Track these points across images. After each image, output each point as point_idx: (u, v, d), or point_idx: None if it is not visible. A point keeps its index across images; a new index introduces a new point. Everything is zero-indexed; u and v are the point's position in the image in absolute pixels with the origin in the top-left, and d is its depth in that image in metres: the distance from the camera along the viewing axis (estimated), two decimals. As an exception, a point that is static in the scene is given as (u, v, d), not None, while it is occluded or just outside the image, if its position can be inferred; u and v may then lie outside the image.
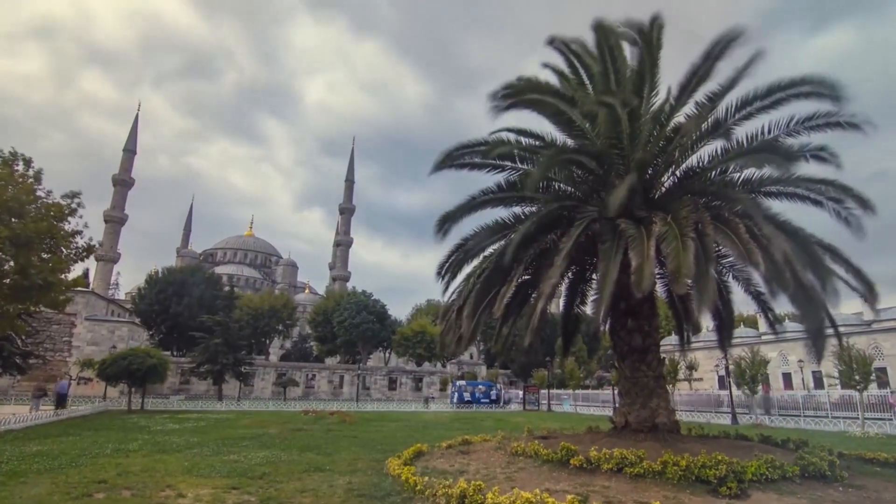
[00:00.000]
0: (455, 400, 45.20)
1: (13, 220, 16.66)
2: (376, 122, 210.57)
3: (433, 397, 57.13)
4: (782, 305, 10.15)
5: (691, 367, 37.88)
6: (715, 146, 9.64)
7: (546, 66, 10.81)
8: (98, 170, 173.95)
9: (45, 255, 18.20)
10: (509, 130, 10.24)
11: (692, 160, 10.09)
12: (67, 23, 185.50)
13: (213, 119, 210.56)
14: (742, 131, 9.26)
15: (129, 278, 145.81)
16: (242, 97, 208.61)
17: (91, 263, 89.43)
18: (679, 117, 9.84)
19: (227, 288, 67.86)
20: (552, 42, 10.44)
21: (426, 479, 7.65)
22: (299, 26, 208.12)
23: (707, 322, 15.87)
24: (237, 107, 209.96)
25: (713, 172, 9.88)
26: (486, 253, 10.88)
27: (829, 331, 8.80)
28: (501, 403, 45.60)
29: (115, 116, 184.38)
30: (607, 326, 10.79)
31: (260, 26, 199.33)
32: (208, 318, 43.06)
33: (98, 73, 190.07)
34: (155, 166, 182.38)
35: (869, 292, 8.85)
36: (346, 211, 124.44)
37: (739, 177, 9.86)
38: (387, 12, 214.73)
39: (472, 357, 74.99)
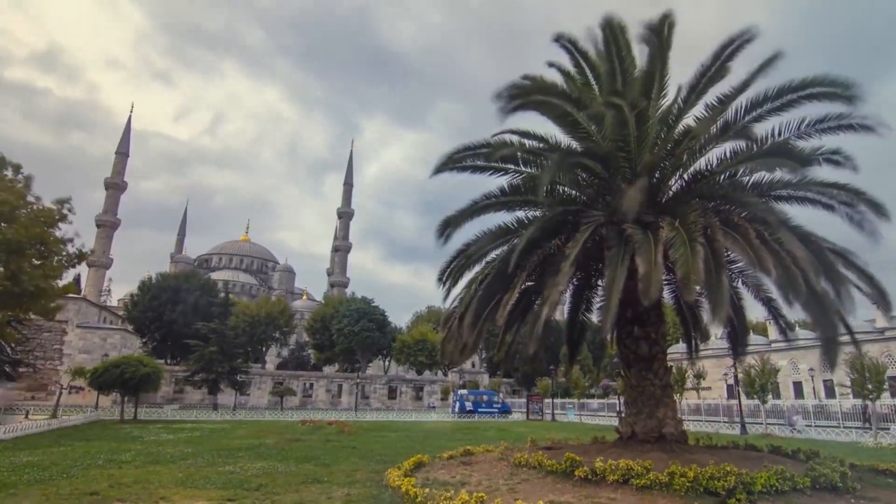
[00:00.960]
0: (457, 409, 44.87)
1: (3, 224, 16.47)
2: (422, 183, 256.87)
3: (434, 406, 56.73)
4: (793, 312, 9.99)
5: (699, 376, 37.49)
6: (724, 149, 9.50)
7: (551, 65, 10.66)
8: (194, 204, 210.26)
9: (36, 262, 17.98)
10: (512, 132, 10.10)
11: (700, 163, 9.95)
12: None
13: (286, 175, 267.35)
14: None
15: (122, 285, 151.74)
16: (313, 163, 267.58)
17: (83, 269, 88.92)
18: (688, 119, 9.72)
19: (222, 294, 67.31)
20: (558, 39, 10.30)
21: (427, 490, 7.48)
22: (373, 125, 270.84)
23: (716, 330, 15.70)
24: (306, 168, 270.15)
25: (722, 176, 9.72)
26: (489, 258, 10.68)
27: (844, 338, 8.63)
28: (502, 412, 45.15)
29: (218, 164, 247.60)
30: (613, 334, 10.60)
31: (342, 127, 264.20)
32: (203, 325, 42.78)
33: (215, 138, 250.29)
34: (234, 199, 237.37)
35: (882, 299, 8.70)
36: (345, 215, 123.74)
37: (749, 180, 9.71)
38: (444, 111, 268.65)
39: (473, 365, 74.60)
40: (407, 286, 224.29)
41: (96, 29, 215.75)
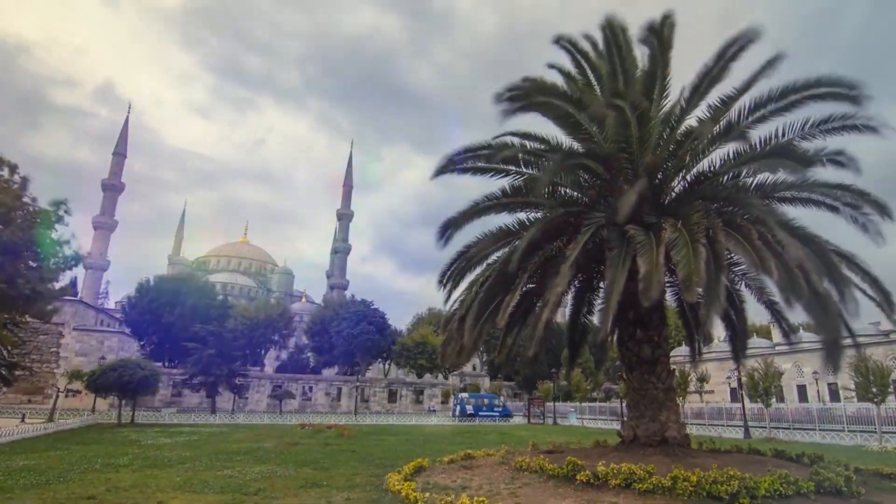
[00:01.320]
0: (457, 413, 44.77)
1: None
2: (435, 203, 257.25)
3: (434, 409, 56.52)
4: (797, 315, 9.94)
5: (702, 379, 37.35)
6: (727, 150, 9.46)
7: (552, 66, 10.62)
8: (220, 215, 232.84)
9: (32, 264, 17.87)
10: (513, 134, 10.05)
11: (703, 164, 9.90)
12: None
13: (309, 192, 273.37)
14: (755, 134, 9.08)
15: (121, 288, 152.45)
16: (334, 181, 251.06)
17: (80, 271, 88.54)
18: (690, 120, 9.69)
19: (220, 297, 67.22)
20: (558, 41, 10.28)
21: (427, 495, 7.46)
22: (393, 151, 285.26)
23: (719, 332, 15.64)
24: (328, 186, 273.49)
25: (725, 177, 9.66)
26: (490, 260, 10.63)
27: (847, 341, 8.58)
28: (503, 416, 44.96)
29: (250, 180, 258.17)
30: (615, 337, 10.55)
31: (365, 153, 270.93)
32: (201, 327, 42.62)
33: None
34: (268, 211, 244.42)
35: (885, 301, 8.64)
36: (344, 217, 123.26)
37: (752, 181, 9.65)
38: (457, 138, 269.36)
39: (474, 369, 74.37)
40: (417, 294, 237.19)
41: (146, 69, 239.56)
